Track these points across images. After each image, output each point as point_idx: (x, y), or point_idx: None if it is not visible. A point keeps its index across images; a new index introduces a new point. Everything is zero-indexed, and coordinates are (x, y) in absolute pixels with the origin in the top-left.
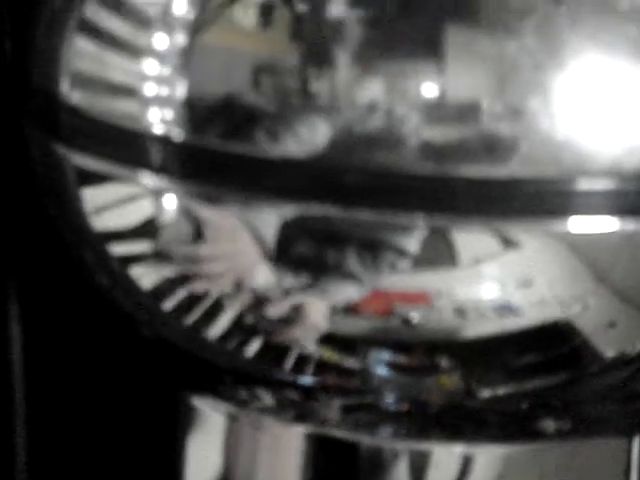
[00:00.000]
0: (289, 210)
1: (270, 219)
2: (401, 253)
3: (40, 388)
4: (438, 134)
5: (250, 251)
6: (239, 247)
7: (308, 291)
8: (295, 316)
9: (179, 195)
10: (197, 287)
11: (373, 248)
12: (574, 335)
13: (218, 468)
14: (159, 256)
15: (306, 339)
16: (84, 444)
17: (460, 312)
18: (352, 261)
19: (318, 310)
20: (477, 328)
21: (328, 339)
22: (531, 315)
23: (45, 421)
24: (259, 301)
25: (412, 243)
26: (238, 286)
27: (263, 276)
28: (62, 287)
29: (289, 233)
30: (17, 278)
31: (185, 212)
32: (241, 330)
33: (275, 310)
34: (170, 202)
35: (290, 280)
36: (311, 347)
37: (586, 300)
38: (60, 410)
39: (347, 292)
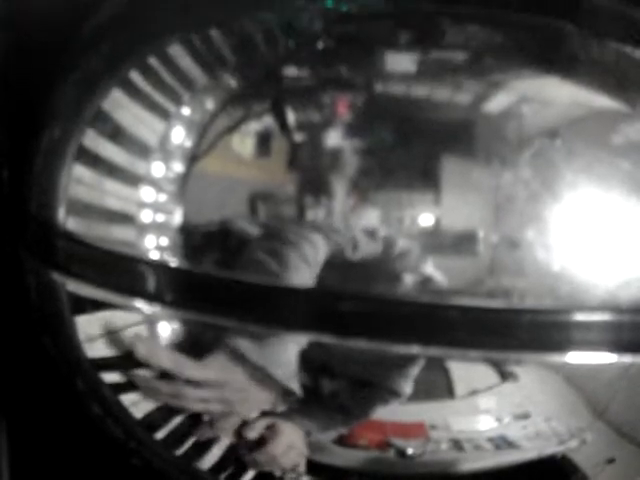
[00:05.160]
0: (283, 337)
1: (268, 347)
2: (395, 394)
3: None
4: (435, 263)
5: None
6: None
7: (297, 417)
8: (269, 435)
9: (173, 322)
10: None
11: (366, 386)
12: (572, 471)
13: None
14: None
15: (286, 461)
16: None
17: (456, 444)
18: (345, 393)
19: (295, 432)
20: (473, 461)
21: (321, 470)
22: (528, 448)
23: None
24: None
25: (406, 385)
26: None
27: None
28: (53, 416)
29: None
30: (6, 406)
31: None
32: (234, 461)
33: (251, 431)
34: (165, 329)
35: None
36: (298, 473)
37: (584, 435)
38: None
39: (337, 422)
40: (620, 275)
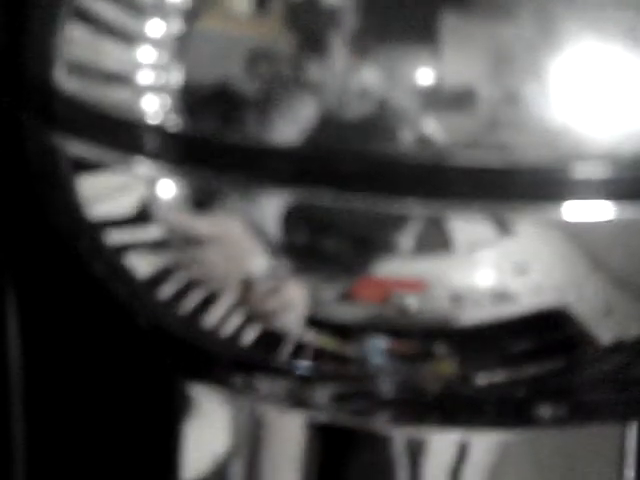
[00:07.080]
0: (284, 197)
1: (268, 207)
2: (393, 249)
3: (37, 378)
4: (433, 120)
5: (248, 244)
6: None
7: (299, 276)
8: (270, 293)
9: (175, 182)
10: (192, 275)
11: (365, 243)
12: (570, 322)
13: (215, 456)
14: (155, 243)
15: (284, 318)
16: (80, 430)
17: (456, 299)
18: (344, 250)
19: (297, 290)
20: (473, 315)
21: (324, 325)
22: (527, 302)
23: (42, 411)
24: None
25: (406, 241)
26: (232, 274)
27: (259, 265)
28: (57, 277)
29: (283, 220)
30: (13, 271)
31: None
32: (237, 317)
33: (254, 291)
34: (166, 190)
35: (282, 267)
36: (294, 326)
37: (582, 287)
38: (57, 399)
39: (338, 278)
40: (620, 128)
